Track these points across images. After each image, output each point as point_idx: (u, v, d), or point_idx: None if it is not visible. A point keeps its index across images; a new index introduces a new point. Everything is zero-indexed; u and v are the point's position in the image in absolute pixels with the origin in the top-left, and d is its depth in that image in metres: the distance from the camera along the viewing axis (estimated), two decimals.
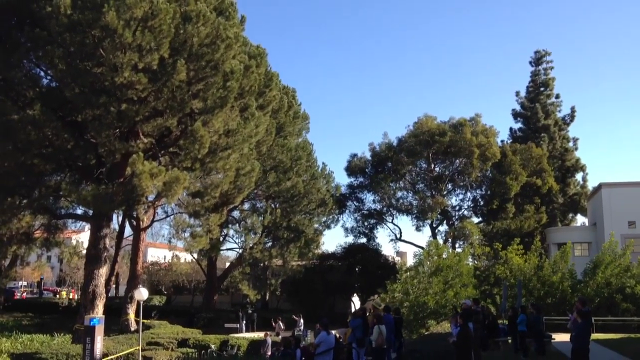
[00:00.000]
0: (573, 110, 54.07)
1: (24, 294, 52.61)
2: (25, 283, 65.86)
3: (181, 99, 18.57)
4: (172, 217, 32.74)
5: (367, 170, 45.25)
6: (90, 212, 21.81)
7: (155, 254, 63.44)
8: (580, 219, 52.90)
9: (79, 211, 25.55)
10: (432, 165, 44.37)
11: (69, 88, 17.53)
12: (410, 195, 45.14)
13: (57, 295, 53.01)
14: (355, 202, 45.97)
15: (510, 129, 55.45)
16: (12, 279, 42.95)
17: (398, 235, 45.94)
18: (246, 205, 36.39)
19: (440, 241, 37.89)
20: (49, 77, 20.07)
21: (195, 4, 17.89)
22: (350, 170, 45.74)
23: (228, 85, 18.93)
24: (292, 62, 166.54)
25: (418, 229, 44.26)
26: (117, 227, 30.48)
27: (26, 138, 18.34)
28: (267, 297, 43.22)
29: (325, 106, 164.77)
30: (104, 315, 19.48)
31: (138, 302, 23.25)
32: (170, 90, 18.31)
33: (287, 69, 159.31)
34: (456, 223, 43.07)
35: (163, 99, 18.53)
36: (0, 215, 23.11)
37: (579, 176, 52.81)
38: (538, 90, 54.14)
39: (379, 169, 44.54)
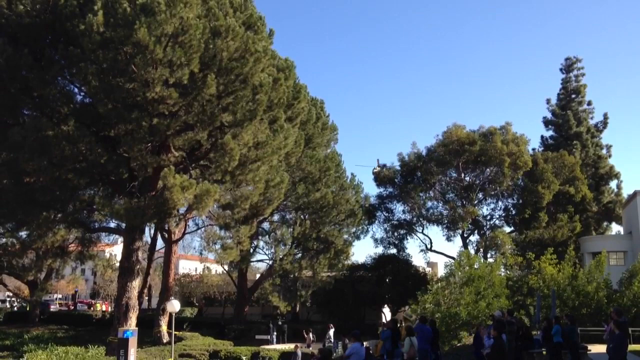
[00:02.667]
0: (606, 116, 53.07)
1: (60, 307, 53.56)
2: (60, 296, 67.00)
3: (211, 113, 18.80)
4: (203, 229, 33.06)
5: (396, 180, 45.02)
6: (123, 225, 22.20)
7: (187, 266, 64.05)
8: (615, 228, 51.72)
9: (112, 224, 26.05)
10: (462, 175, 43.95)
11: (102, 104, 17.89)
12: (440, 205, 44.73)
13: (91, 308, 53.86)
14: (384, 213, 45.74)
15: (542, 136, 54.70)
16: (47, 292, 43.65)
17: (428, 246, 45.55)
18: (276, 217, 36.52)
19: (472, 251, 37.46)
20: (82, 94, 20.49)
21: (224, 19, 18.13)
22: (379, 180, 45.57)
23: (257, 98, 19.10)
24: (321, 73, 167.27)
25: (449, 239, 43.84)
26: (149, 239, 30.88)
27: (61, 153, 18.74)
28: (298, 309, 43.20)
29: (354, 117, 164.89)
30: (137, 328, 19.75)
31: (170, 314, 23.50)
32: (200, 104, 18.57)
33: (315, 79, 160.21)
34: (487, 233, 42.51)
35: (193, 113, 18.80)
36: (36, 229, 23.70)
37: (613, 184, 51.68)
38: (569, 98, 53.34)
39: (409, 179, 44.27)
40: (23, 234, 28.48)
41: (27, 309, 41.86)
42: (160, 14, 16.34)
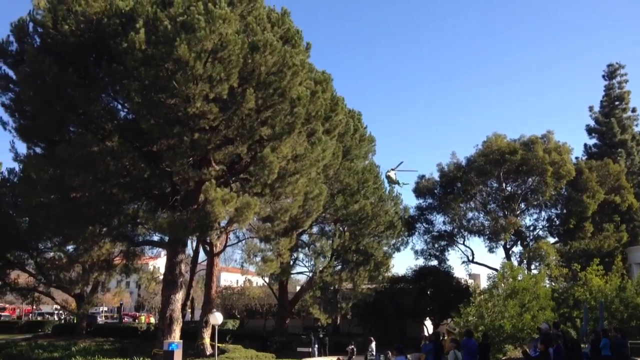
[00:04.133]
0: None
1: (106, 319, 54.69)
2: (106, 308, 68.46)
3: (250, 127, 19.04)
4: (243, 241, 33.38)
5: (435, 191, 44.59)
6: (166, 238, 22.55)
7: (228, 278, 64.73)
8: None
9: (156, 238, 26.45)
10: (504, 185, 43.24)
11: (145, 120, 18.32)
12: (481, 215, 44.07)
13: (136, 320, 54.82)
14: (424, 224, 45.30)
15: (585, 145, 53.47)
16: (94, 305, 44.64)
17: (470, 257, 44.86)
18: (315, 229, 36.56)
19: (515, 263, 36.70)
20: (125, 110, 20.99)
21: (262, 34, 18.38)
22: (419, 191, 45.22)
23: (295, 112, 19.26)
24: (358, 85, 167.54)
25: (491, 250, 43.10)
26: (191, 252, 31.34)
27: (106, 169, 19.25)
28: (338, 321, 43.05)
29: (392, 128, 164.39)
30: (181, 340, 20.05)
31: (213, 327, 23.80)
32: (240, 118, 18.83)
33: (352, 91, 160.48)
34: (531, 244, 41.64)
35: (233, 127, 19.07)
36: (83, 243, 24.36)
37: None
38: (613, 105, 52.10)
39: (448, 189, 43.82)
40: (70, 248, 29.39)
41: (75, 321, 42.86)
42: (200, 30, 16.66)
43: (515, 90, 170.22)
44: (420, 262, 44.25)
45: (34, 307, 61.95)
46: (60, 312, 57.86)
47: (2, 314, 60.57)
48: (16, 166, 31.90)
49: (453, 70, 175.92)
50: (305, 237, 36.27)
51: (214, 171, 19.89)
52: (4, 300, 55.25)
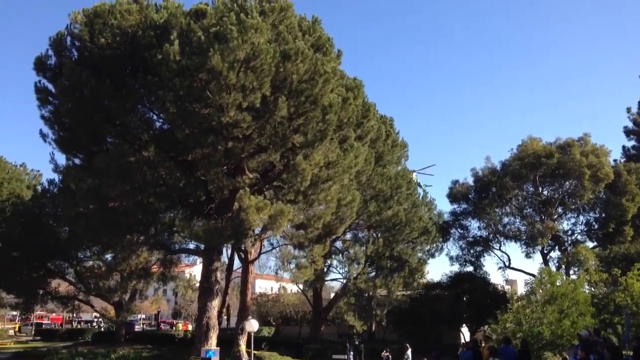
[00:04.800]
0: None
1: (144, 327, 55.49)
2: (144, 316, 69.43)
3: (283, 135, 19.18)
4: (277, 249, 33.52)
5: (470, 196, 44.04)
6: (202, 246, 22.82)
7: (263, 285, 65.05)
8: None
9: (192, 246, 26.80)
10: (540, 189, 42.49)
11: (180, 129, 18.64)
12: (517, 220, 43.33)
13: (174, 328, 55.50)
14: (459, 230, 44.73)
15: (623, 147, 52.01)
16: (132, 313, 45.33)
17: (507, 263, 44.13)
18: (348, 236, 36.50)
19: (553, 268, 36.05)
20: (161, 120, 21.40)
21: (293, 43, 18.52)
22: (453, 196, 44.72)
23: (327, 119, 19.32)
24: (390, 89, 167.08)
25: (528, 255, 42.29)
26: (226, 260, 31.61)
27: (142, 178, 19.65)
28: (374, 328, 42.84)
29: (425, 133, 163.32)
30: (218, 347, 20.24)
31: (249, 334, 23.94)
32: (272, 126, 18.99)
33: (384, 97, 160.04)
34: (569, 248, 40.80)
35: (266, 135, 19.24)
36: (121, 252, 24.81)
37: None
38: None
39: (483, 194, 43.22)
40: (108, 256, 29.93)
41: (114, 329, 43.60)
42: (233, 40, 16.89)
43: (550, 93, 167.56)
44: (456, 268, 43.75)
45: (74, 315, 63.36)
46: (100, 319, 58.96)
47: (44, 321, 62.00)
48: (56, 177, 32.78)
49: (486, 73, 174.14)
50: (338, 244, 36.23)
51: (247, 179, 20.08)
52: (46, 308, 56.68)
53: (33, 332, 52.05)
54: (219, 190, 20.48)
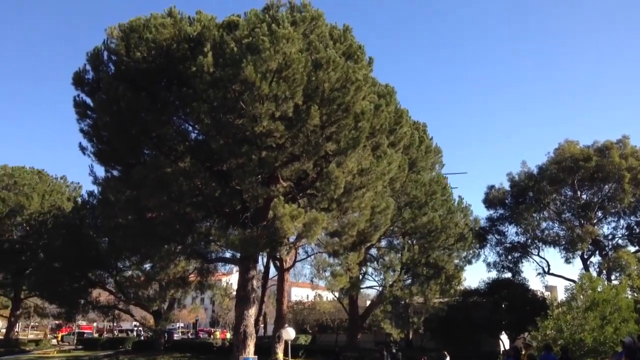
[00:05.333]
0: None
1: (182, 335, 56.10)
2: (182, 324, 70.23)
3: (316, 143, 19.24)
4: (312, 256, 33.56)
5: (506, 201, 43.45)
6: (238, 255, 23.01)
7: (299, 293, 65.21)
8: None
9: (228, 254, 27.03)
10: (579, 193, 41.69)
11: (215, 140, 18.88)
12: (556, 225, 42.59)
13: (211, 336, 56.02)
14: (496, 235, 44.15)
15: None
16: (171, 321, 45.89)
17: (545, 269, 43.37)
18: (383, 243, 36.35)
19: (594, 273, 35.26)
20: (196, 131, 21.69)
21: (325, 51, 18.61)
22: (489, 202, 44.19)
23: (359, 126, 19.32)
24: (423, 95, 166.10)
25: (567, 261, 41.49)
26: (262, 268, 31.81)
27: (179, 189, 19.94)
28: (411, 336, 42.49)
29: (460, 139, 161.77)
30: (256, 356, 20.37)
31: (286, 342, 24.09)
32: (305, 135, 19.07)
33: (417, 101, 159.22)
34: (610, 253, 39.87)
35: (299, 144, 19.32)
36: (159, 261, 25.21)
37: None
38: None
39: (520, 199, 42.60)
40: (147, 266, 30.45)
41: (153, 337, 44.25)
42: (265, 51, 17.05)
43: (587, 95, 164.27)
44: (493, 274, 43.19)
45: (115, 324, 64.49)
46: (139, 328, 59.89)
47: (85, 330, 63.30)
48: (95, 189, 33.48)
49: (521, 77, 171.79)
50: (373, 251, 36.10)
51: (281, 188, 20.20)
52: (87, 318, 57.86)
53: (75, 341, 53.15)
54: (253, 199, 20.63)
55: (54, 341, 56.87)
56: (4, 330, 56.56)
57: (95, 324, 71.18)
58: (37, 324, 71.34)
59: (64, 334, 60.49)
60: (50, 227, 40.77)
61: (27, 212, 42.44)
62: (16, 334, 52.16)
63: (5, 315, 52.08)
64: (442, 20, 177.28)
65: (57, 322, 62.29)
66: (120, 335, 57.42)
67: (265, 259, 32.24)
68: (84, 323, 66.21)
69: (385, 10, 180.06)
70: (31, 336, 62.65)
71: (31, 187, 44.05)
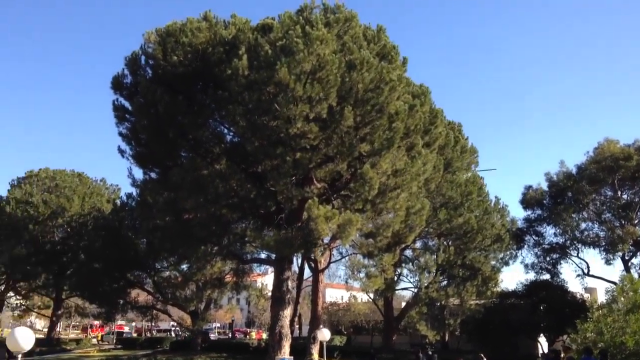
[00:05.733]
0: None
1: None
2: (218, 325, 70.94)
3: (349, 144, 19.22)
4: (347, 258, 33.59)
5: (544, 201, 42.64)
6: (273, 256, 23.18)
7: (333, 294, 65.26)
8: None
9: (263, 255, 27.28)
10: (619, 193, 40.67)
11: (250, 142, 19.06)
12: (595, 226, 41.59)
13: (247, 336, 56.47)
14: (533, 237, 43.34)
15: None
16: (207, 321, 46.36)
17: (585, 270, 42.42)
18: (418, 244, 36.15)
19: (635, 275, 34.35)
20: (231, 134, 21.96)
21: (358, 52, 18.58)
22: (526, 202, 43.43)
23: (394, 127, 19.25)
24: (458, 94, 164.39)
25: (608, 262, 40.46)
26: (297, 269, 31.95)
27: (215, 190, 20.20)
28: (447, 338, 42.14)
29: (496, 139, 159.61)
30: (292, 357, 20.47)
31: (321, 343, 24.11)
32: (339, 136, 19.08)
33: (452, 101, 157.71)
34: None
35: (333, 145, 19.35)
36: (196, 262, 25.61)
37: None
38: None
39: (558, 199, 41.76)
40: (184, 267, 30.92)
41: (190, 337, 44.81)
42: (299, 53, 17.13)
43: (628, 93, 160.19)
44: (531, 276, 42.39)
45: (153, 324, 65.53)
46: (177, 328, 60.72)
47: (125, 330, 64.41)
48: (134, 191, 34.13)
49: (559, 75, 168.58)
50: (408, 253, 35.93)
51: (315, 189, 20.25)
52: (126, 317, 58.96)
53: (114, 341, 54.15)
54: (288, 200, 20.76)
55: (94, 340, 58.02)
56: (46, 330, 58.03)
57: (133, 324, 72.40)
58: (77, 323, 72.96)
59: (103, 333, 61.75)
60: (90, 228, 41.69)
61: (68, 214, 43.50)
62: (58, 333, 53.37)
63: (47, 315, 53.43)
64: (478, 17, 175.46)
65: (95, 322, 63.55)
66: (158, 335, 58.23)
67: (300, 260, 32.43)
68: (122, 322, 67.39)
69: (421, 7, 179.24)
70: (72, 335, 64.13)
71: (72, 190, 45.16)
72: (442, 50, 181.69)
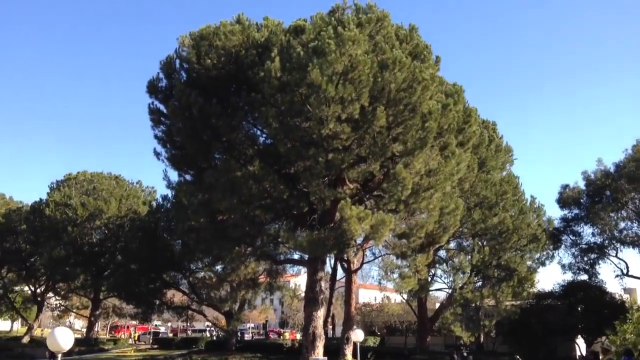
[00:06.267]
0: None
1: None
2: (252, 325, 71.41)
3: (382, 144, 19.16)
4: (380, 258, 33.44)
5: (582, 200, 41.76)
6: (306, 256, 23.25)
7: (367, 295, 65.10)
8: None
9: (296, 256, 27.39)
10: None
11: (282, 143, 19.17)
12: (635, 225, 40.54)
13: (281, 337, 56.74)
14: (571, 236, 42.46)
15: None
16: (242, 322, 46.70)
17: (624, 271, 41.44)
18: (452, 244, 35.80)
19: None
20: (264, 135, 22.15)
21: (391, 52, 18.50)
22: (563, 202, 42.61)
23: (426, 126, 19.12)
24: (492, 93, 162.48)
25: None
26: (330, 270, 31.98)
27: (248, 192, 20.37)
28: (482, 339, 41.64)
29: (532, 137, 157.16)
30: (325, 357, 20.51)
31: (354, 343, 24.11)
32: (371, 136, 19.04)
33: (486, 99, 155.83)
34: None
35: (365, 145, 19.32)
36: (230, 263, 25.83)
37: None
38: None
39: (596, 198, 40.86)
40: (219, 267, 31.21)
41: (225, 337, 45.25)
42: (331, 54, 17.15)
43: None
44: (568, 276, 41.58)
45: (188, 324, 66.34)
46: (212, 328, 61.37)
47: (161, 330, 65.35)
48: (169, 193, 34.65)
49: (597, 72, 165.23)
50: (442, 253, 35.61)
51: (348, 190, 20.26)
52: (162, 318, 59.84)
53: (151, 341, 55.01)
54: (321, 201, 20.80)
55: (131, 340, 59.00)
56: (84, 330, 59.25)
57: (169, 324, 73.43)
58: (115, 324, 74.30)
59: (140, 333, 62.76)
60: (127, 230, 42.50)
61: (105, 216, 44.40)
62: (96, 333, 54.48)
63: (86, 315, 54.57)
64: (513, 13, 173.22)
65: (133, 322, 64.64)
66: (193, 335, 58.98)
67: (332, 261, 32.44)
68: (158, 323, 68.40)
69: (455, 7, 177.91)
70: (110, 335, 65.34)
71: (109, 192, 46.10)
72: (477, 49, 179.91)
